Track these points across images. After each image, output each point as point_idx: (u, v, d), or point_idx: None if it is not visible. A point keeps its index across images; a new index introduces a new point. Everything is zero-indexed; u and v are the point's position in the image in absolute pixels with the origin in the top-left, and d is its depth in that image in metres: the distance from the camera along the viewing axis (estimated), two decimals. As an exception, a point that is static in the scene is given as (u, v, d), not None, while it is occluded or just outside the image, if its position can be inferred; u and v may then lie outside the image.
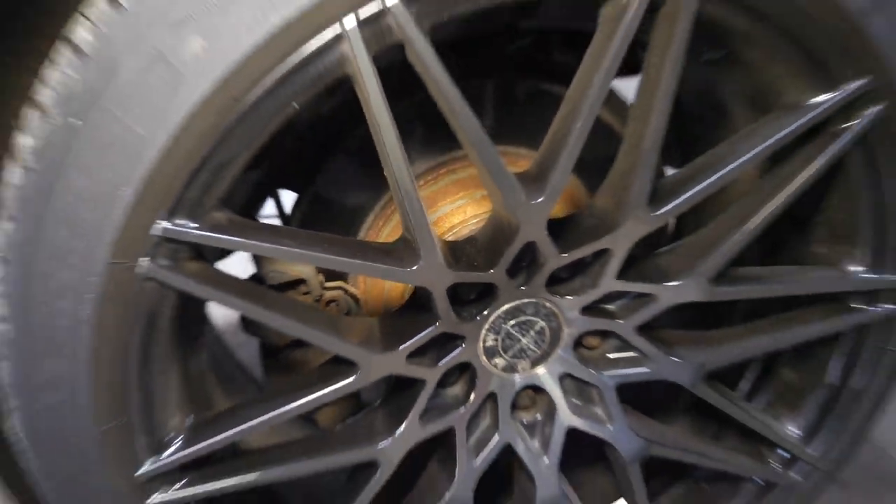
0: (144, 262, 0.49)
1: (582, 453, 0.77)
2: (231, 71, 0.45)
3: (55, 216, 0.47)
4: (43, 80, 0.47)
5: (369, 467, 0.63)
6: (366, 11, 0.44)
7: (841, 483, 1.07)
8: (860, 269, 0.66)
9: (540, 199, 0.54)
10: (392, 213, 0.77)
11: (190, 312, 0.56)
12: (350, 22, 0.44)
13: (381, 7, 0.44)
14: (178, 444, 0.56)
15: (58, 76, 0.46)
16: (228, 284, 0.53)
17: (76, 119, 0.45)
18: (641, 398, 0.75)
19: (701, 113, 0.74)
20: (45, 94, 0.46)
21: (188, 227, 0.48)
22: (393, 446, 0.63)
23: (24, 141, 0.47)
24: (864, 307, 0.68)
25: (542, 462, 0.70)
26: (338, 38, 0.45)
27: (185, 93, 0.45)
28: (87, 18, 0.45)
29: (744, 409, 0.72)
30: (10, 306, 0.50)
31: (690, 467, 0.81)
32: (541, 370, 0.68)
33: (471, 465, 0.68)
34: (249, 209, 0.88)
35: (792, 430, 0.75)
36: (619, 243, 0.60)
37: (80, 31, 0.45)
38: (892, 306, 0.67)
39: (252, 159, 0.51)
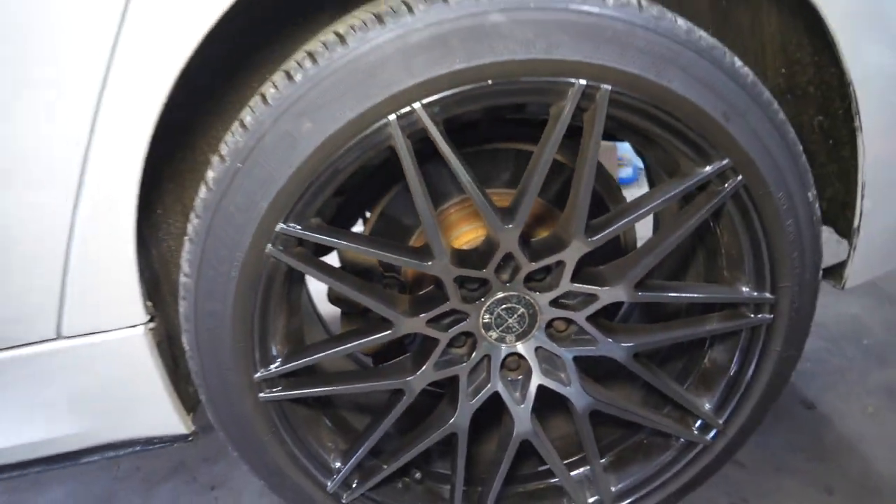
0: (269, 246, 0.83)
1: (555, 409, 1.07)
2: (326, 140, 0.79)
3: (222, 216, 0.83)
4: (224, 140, 0.82)
5: (399, 393, 0.96)
6: (402, 111, 0.77)
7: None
8: (746, 288, 0.94)
9: (511, 226, 0.86)
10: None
11: (294, 281, 0.91)
12: (393, 117, 0.78)
13: (410, 109, 0.77)
14: (278, 362, 0.91)
15: (231, 138, 0.81)
16: (319, 266, 0.87)
17: (239, 163, 0.81)
18: (613, 374, 1.03)
19: (653, 170, 1.04)
20: (223, 148, 0.82)
21: (295, 228, 0.83)
22: (415, 381, 0.95)
23: (209, 174, 0.83)
24: (750, 315, 0.95)
25: (520, 407, 1.00)
26: (386, 124, 0.78)
27: (299, 151, 0.79)
28: (250, 107, 0.81)
29: (668, 385, 1.00)
30: (191, 268, 0.86)
31: (638, 427, 1.09)
32: (522, 343, 0.99)
33: (468, 403, 0.99)
34: (339, 223, 1.22)
35: (707, 404, 1.03)
36: (569, 258, 0.90)
37: (245, 114, 0.81)
38: (768, 316, 0.94)
39: (337, 189, 0.86)
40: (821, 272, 0.96)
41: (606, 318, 1.02)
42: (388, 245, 0.88)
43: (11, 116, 0.76)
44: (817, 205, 0.92)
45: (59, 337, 0.89)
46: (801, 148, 0.88)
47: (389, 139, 0.79)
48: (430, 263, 0.87)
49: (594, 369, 1.04)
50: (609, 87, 0.78)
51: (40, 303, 0.87)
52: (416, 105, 0.77)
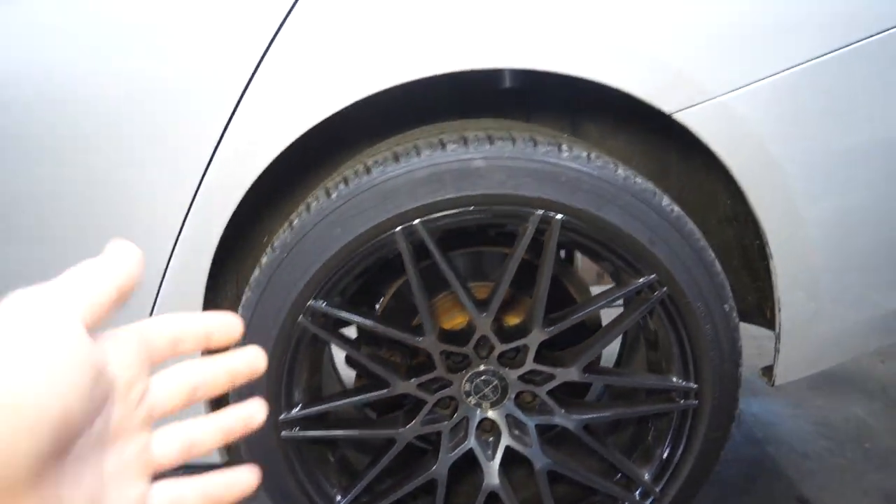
0: (301, 318, 1.11)
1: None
2: (349, 242, 1.07)
3: (269, 292, 1.11)
4: (277, 235, 1.11)
5: (391, 442, 1.20)
6: (405, 225, 1.06)
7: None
8: (675, 377, 1.17)
9: (485, 315, 1.12)
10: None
11: (317, 345, 1.18)
12: (399, 229, 1.06)
13: (411, 224, 1.06)
14: (299, 407, 1.17)
15: (281, 234, 1.10)
16: (338, 335, 1.14)
17: (285, 254, 1.09)
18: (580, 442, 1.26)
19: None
20: (275, 240, 1.11)
21: (322, 305, 1.10)
22: (404, 433, 1.20)
23: (263, 259, 1.12)
24: (679, 401, 1.18)
25: (489, 463, 1.23)
26: (394, 234, 1.06)
27: (329, 249, 1.07)
28: (298, 213, 1.10)
29: (612, 454, 1.22)
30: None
31: (594, 489, 1.30)
32: (495, 409, 1.23)
33: (447, 455, 1.23)
34: (360, 300, 1.50)
35: (646, 474, 1.24)
36: (531, 343, 1.15)
37: (294, 217, 1.10)
38: (693, 402, 1.17)
39: (359, 274, 1.13)
40: (740, 368, 1.18)
41: (579, 394, 1.26)
42: (389, 322, 1.14)
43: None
44: (734, 314, 1.15)
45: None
46: (718, 268, 1.13)
47: (395, 245, 1.07)
48: (420, 339, 1.13)
49: (567, 437, 1.27)
50: (560, 217, 1.05)
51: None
52: (416, 222, 1.05)
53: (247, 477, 0.45)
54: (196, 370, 0.44)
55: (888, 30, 1.01)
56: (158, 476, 0.41)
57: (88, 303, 0.36)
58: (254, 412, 0.46)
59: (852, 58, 1.02)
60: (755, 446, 2.20)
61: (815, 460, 2.05)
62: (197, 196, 1.07)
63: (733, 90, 1.03)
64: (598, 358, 1.40)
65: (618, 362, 1.50)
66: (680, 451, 1.21)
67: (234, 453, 1.25)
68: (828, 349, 1.25)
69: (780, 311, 1.19)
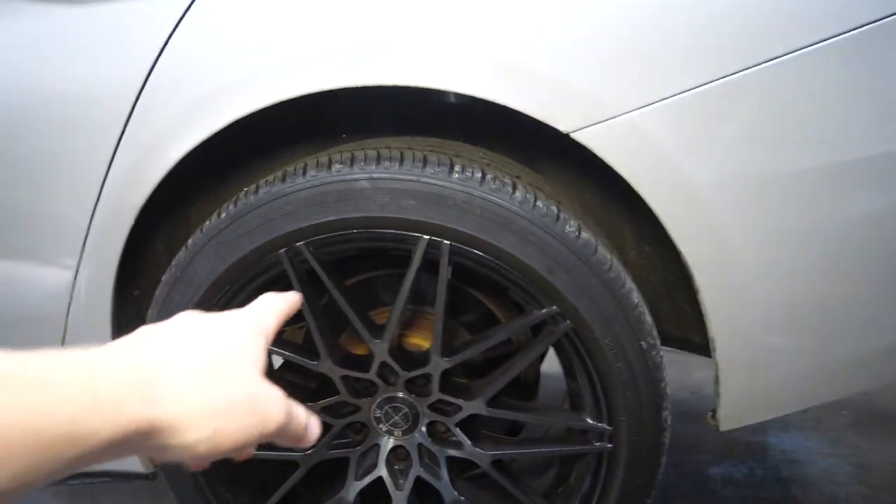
0: (198, 336, 1.10)
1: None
2: (236, 261, 1.05)
3: (165, 310, 1.10)
4: (177, 254, 1.11)
5: (295, 466, 1.18)
6: (292, 248, 1.03)
7: None
8: (589, 417, 1.08)
9: (379, 341, 1.07)
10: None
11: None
12: (282, 251, 1.03)
13: (297, 249, 1.02)
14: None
15: (179, 253, 1.10)
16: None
17: (179, 273, 1.09)
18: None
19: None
20: (175, 259, 1.10)
21: (215, 325, 1.09)
22: (308, 457, 1.16)
23: (164, 276, 1.12)
24: (593, 442, 1.09)
25: (399, 493, 1.18)
26: (278, 256, 1.04)
27: (217, 268, 1.06)
28: (194, 234, 1.09)
29: (524, 495, 1.14)
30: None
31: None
32: (406, 438, 1.18)
33: (355, 483, 1.18)
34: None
35: (564, 517, 1.15)
36: (434, 371, 1.09)
37: (190, 238, 1.09)
38: (607, 444, 1.07)
39: (256, 291, 1.11)
40: (664, 412, 1.08)
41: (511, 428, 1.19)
42: (288, 345, 1.12)
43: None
44: (654, 352, 1.05)
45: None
46: (633, 300, 1.03)
47: (281, 266, 1.04)
48: (316, 363, 1.10)
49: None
50: (448, 243, 0.99)
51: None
52: (300, 244, 1.02)
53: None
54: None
55: (810, 45, 0.89)
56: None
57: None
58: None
59: (774, 73, 0.91)
60: (779, 486, 2.04)
61: (847, 506, 1.88)
62: (95, 215, 1.08)
63: (636, 108, 0.94)
64: (535, 388, 1.32)
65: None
66: (597, 497, 1.11)
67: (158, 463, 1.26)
68: (778, 395, 1.12)
69: (714, 350, 1.08)
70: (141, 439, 0.40)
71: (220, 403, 0.44)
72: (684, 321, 1.29)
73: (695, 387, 2.44)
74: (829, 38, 0.91)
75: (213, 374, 0.45)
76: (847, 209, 1.01)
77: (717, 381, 1.11)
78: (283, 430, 0.49)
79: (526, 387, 1.28)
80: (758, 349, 1.08)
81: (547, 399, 1.40)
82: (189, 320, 0.50)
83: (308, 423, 0.53)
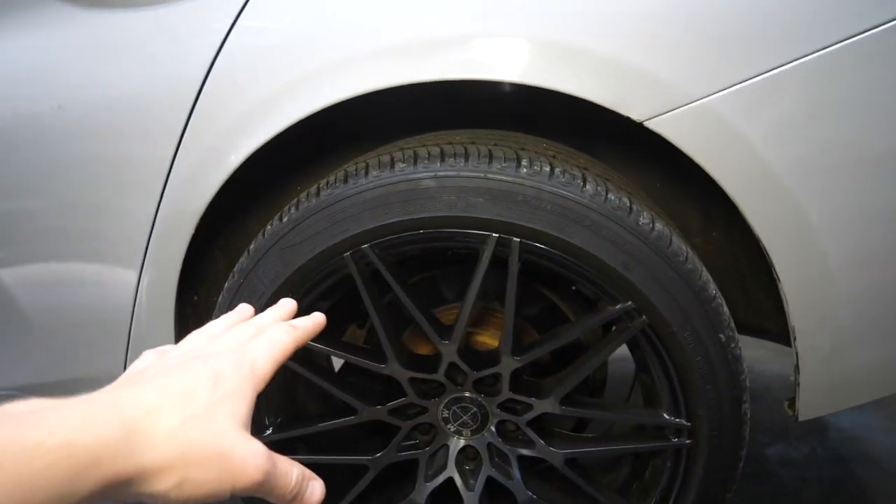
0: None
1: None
2: (300, 267, 1.03)
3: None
4: (239, 260, 1.10)
5: (365, 469, 1.16)
6: (357, 251, 1.00)
7: None
8: (665, 413, 1.05)
9: (447, 342, 1.05)
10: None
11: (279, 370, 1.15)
12: (348, 254, 1.00)
13: (362, 251, 1.00)
14: (269, 431, 1.15)
15: (241, 259, 1.08)
16: (300, 361, 1.11)
17: (242, 279, 1.07)
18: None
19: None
20: (237, 265, 1.09)
21: (280, 330, 1.07)
22: (378, 460, 1.15)
23: (226, 284, 1.10)
24: (672, 439, 1.05)
25: (469, 493, 1.16)
26: (344, 260, 1.01)
27: (281, 274, 1.04)
28: (255, 238, 1.07)
29: (599, 493, 1.12)
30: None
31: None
32: (476, 437, 1.16)
33: (425, 485, 1.17)
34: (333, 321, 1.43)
35: (642, 514, 1.13)
36: (504, 371, 1.07)
37: (252, 243, 1.08)
38: (686, 441, 1.04)
39: (323, 295, 1.09)
40: (744, 405, 1.04)
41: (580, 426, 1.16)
42: (352, 348, 1.10)
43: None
44: (733, 345, 1.01)
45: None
46: (710, 293, 0.99)
47: (348, 269, 1.02)
48: (383, 366, 1.08)
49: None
50: (518, 240, 0.96)
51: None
52: (365, 246, 1.00)
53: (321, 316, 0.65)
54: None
55: (880, 26, 0.84)
56: None
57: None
58: (318, 318, 0.66)
59: (846, 54, 0.85)
60: (839, 464, 2.00)
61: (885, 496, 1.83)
62: (157, 217, 1.06)
63: (712, 93, 0.89)
64: (603, 386, 1.29)
65: (630, 391, 1.37)
66: (675, 494, 1.08)
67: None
68: (859, 384, 1.08)
69: (795, 339, 1.04)
70: (116, 488, 0.41)
71: (195, 455, 0.44)
72: (756, 308, 1.25)
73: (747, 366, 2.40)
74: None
75: (193, 425, 0.45)
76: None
77: (796, 370, 1.07)
78: (260, 487, 0.48)
79: (594, 383, 1.25)
80: (839, 337, 1.04)
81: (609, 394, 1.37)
82: (182, 358, 0.51)
83: (302, 485, 0.52)
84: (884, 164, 0.93)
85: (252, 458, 0.48)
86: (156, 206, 1.05)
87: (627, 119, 0.94)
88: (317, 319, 0.63)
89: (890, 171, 0.94)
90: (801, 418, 1.12)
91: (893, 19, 0.84)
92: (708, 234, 1.25)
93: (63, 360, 1.16)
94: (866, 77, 0.88)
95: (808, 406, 1.10)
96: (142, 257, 1.08)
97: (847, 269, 0.99)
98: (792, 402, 1.13)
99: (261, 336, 0.56)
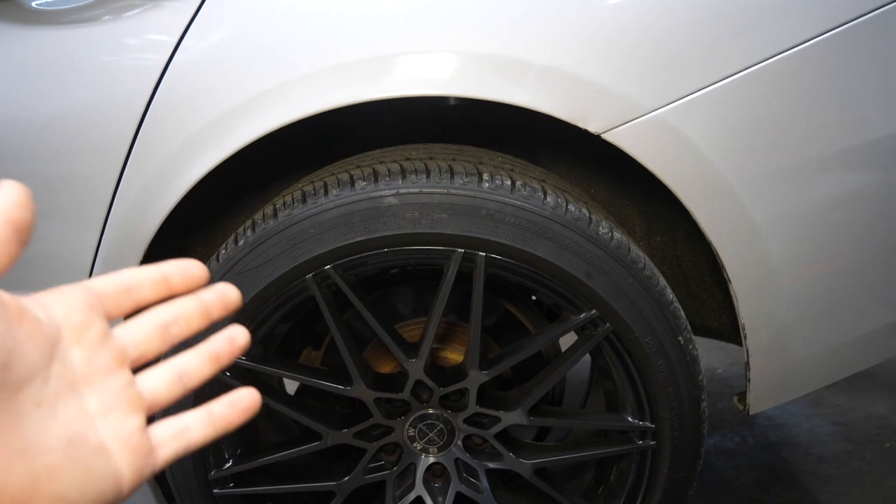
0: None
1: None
2: (259, 292, 1.00)
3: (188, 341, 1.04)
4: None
5: (330, 496, 1.13)
6: (319, 272, 0.98)
7: None
8: (630, 417, 1.07)
9: (415, 360, 1.04)
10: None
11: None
12: (310, 276, 0.98)
13: (325, 272, 0.98)
14: (230, 463, 1.10)
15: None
16: (261, 388, 1.07)
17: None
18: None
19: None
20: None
21: (239, 359, 1.03)
22: (343, 485, 1.12)
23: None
24: (637, 441, 1.08)
25: (439, 511, 1.16)
26: (304, 282, 0.99)
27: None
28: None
29: (570, 499, 1.13)
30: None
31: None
32: (443, 454, 1.15)
33: (394, 505, 1.15)
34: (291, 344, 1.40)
35: (609, 517, 1.15)
36: (471, 385, 1.06)
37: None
38: (651, 442, 1.07)
39: (285, 318, 1.06)
40: (702, 404, 1.08)
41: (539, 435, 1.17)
42: (314, 371, 1.07)
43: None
44: (691, 346, 1.05)
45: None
46: (668, 297, 1.03)
47: (309, 291, 0.99)
48: (349, 388, 1.05)
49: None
50: (484, 255, 0.96)
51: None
52: (328, 267, 0.97)
53: (248, 395, 0.47)
54: (163, 308, 0.44)
55: (829, 31, 0.89)
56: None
57: None
58: (235, 334, 0.47)
59: (784, 66, 0.91)
60: (769, 451, 2.09)
61: (832, 465, 1.94)
62: (101, 245, 1.01)
63: (664, 105, 0.93)
64: (562, 394, 1.31)
65: (585, 397, 1.40)
66: (642, 493, 1.11)
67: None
68: (804, 375, 1.14)
69: (745, 336, 1.09)
70: None
71: None
72: (700, 308, 1.30)
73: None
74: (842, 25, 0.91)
75: None
76: (864, 193, 1.03)
77: (747, 366, 1.12)
78: None
79: (553, 392, 1.27)
80: (783, 332, 1.09)
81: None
82: None
83: None
84: (820, 169, 0.99)
85: None
86: (99, 233, 0.99)
87: (584, 131, 0.96)
88: (236, 343, 0.48)
89: (826, 175, 1.00)
90: (752, 412, 1.17)
91: (827, 30, 0.90)
92: (651, 238, 1.29)
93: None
94: (803, 87, 0.93)
95: (758, 399, 1.15)
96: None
97: (788, 267, 1.05)
98: (742, 396, 1.18)
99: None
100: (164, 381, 0.44)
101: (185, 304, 0.46)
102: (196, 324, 0.46)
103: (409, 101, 0.95)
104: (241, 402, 0.47)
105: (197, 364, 0.46)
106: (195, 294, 0.46)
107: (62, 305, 0.40)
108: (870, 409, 2.23)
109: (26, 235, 0.38)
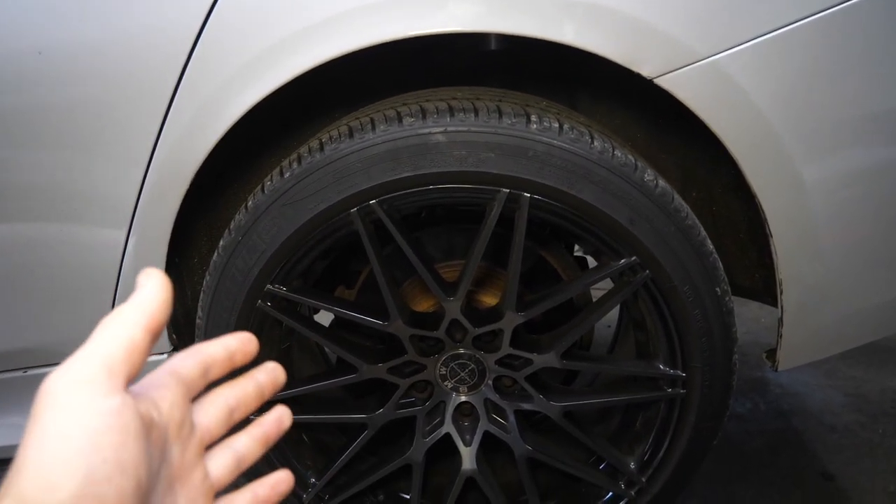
0: (259, 302, 1.06)
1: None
2: (303, 224, 1.00)
3: (227, 276, 1.06)
4: (234, 217, 1.06)
5: (363, 427, 1.16)
6: (361, 206, 0.99)
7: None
8: (661, 364, 1.09)
9: (452, 299, 1.05)
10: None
11: (276, 330, 1.13)
12: (354, 210, 0.99)
13: (368, 204, 0.98)
14: (266, 392, 1.13)
15: (238, 216, 1.05)
16: (299, 318, 1.09)
17: (240, 237, 1.04)
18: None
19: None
20: (232, 223, 1.05)
21: (280, 289, 1.05)
22: (376, 418, 1.15)
23: (221, 242, 1.07)
24: (666, 389, 1.10)
25: (467, 448, 1.18)
26: (349, 216, 0.99)
27: (283, 232, 1.02)
28: (253, 194, 1.04)
29: (594, 443, 1.15)
30: (203, 313, 1.09)
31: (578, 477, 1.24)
32: (472, 393, 1.17)
33: (423, 441, 1.18)
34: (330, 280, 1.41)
35: (632, 463, 1.17)
36: (506, 327, 1.08)
37: (249, 199, 1.04)
38: (681, 390, 1.08)
39: (323, 253, 1.07)
40: (734, 356, 1.09)
41: (568, 378, 1.18)
42: (352, 305, 1.08)
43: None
44: (727, 298, 1.05)
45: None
46: (709, 247, 1.03)
47: (353, 225, 1.00)
48: (386, 324, 1.07)
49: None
50: (528, 196, 0.97)
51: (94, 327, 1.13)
52: (373, 202, 0.98)
53: (285, 476, 0.51)
54: (228, 392, 0.48)
55: None
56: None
57: (125, 359, 0.39)
58: (282, 416, 0.52)
59: (851, 14, 0.89)
60: (781, 418, 2.11)
61: (843, 434, 1.96)
62: (146, 180, 1.01)
63: (721, 52, 0.92)
64: (590, 340, 1.32)
65: (613, 344, 1.42)
66: (668, 441, 1.13)
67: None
68: (835, 335, 1.14)
69: (782, 293, 1.09)
70: None
71: None
72: (732, 265, 1.30)
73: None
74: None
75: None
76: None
77: (780, 322, 1.13)
78: None
79: (582, 339, 1.28)
80: (819, 291, 1.10)
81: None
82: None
83: None
84: (874, 129, 0.98)
85: None
86: (147, 162, 1.00)
87: (625, 79, 0.95)
88: (279, 415, 0.52)
89: (878, 136, 0.99)
90: (780, 368, 1.18)
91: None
92: (687, 192, 1.29)
93: (44, 323, 1.10)
94: (861, 40, 0.92)
95: (788, 356, 1.16)
96: (130, 217, 1.03)
97: (830, 227, 1.05)
98: (771, 353, 1.19)
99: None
100: (227, 469, 0.47)
101: (245, 387, 0.49)
102: (252, 406, 0.50)
103: (446, 44, 0.94)
104: (281, 483, 0.51)
105: (252, 448, 0.49)
106: (252, 375, 0.51)
107: (167, 403, 0.42)
108: (886, 382, 2.23)
109: (158, 336, 0.42)
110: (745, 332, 2.49)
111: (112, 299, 1.09)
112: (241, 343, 0.49)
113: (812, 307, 1.11)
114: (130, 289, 1.07)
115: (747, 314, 2.53)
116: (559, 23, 0.90)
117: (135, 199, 1.03)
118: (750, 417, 2.11)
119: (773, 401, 2.20)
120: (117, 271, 1.07)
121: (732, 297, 1.19)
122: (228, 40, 0.94)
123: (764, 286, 1.25)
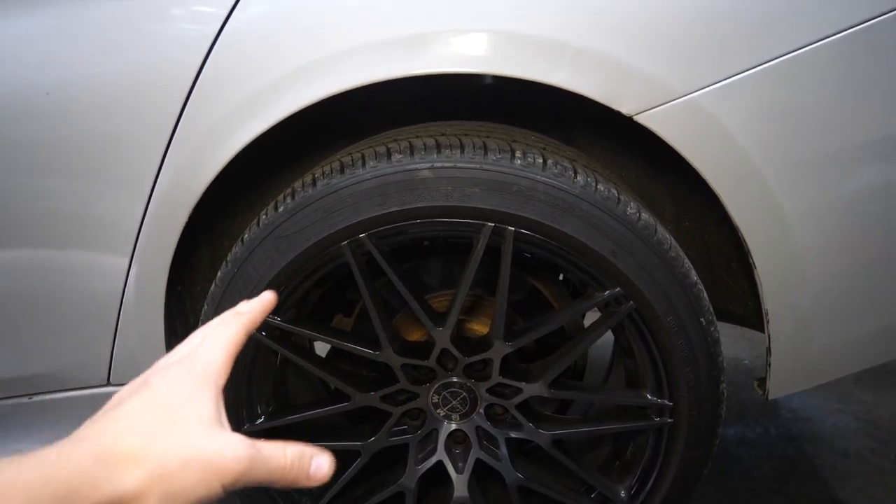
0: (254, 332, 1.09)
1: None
2: (295, 257, 1.04)
3: (223, 307, 1.09)
4: (231, 250, 1.10)
5: (356, 455, 1.18)
6: (354, 240, 1.02)
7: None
8: (649, 394, 1.10)
9: (441, 329, 1.08)
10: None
11: (271, 358, 1.16)
12: (345, 243, 1.02)
13: (359, 240, 1.02)
14: (262, 418, 1.16)
15: (234, 248, 1.09)
16: (291, 347, 1.12)
17: (236, 269, 1.07)
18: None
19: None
20: (229, 255, 1.09)
21: (274, 319, 1.08)
22: (369, 446, 1.17)
23: (219, 273, 1.11)
24: (654, 418, 1.11)
25: (459, 476, 1.20)
26: (341, 248, 1.03)
27: (276, 264, 1.05)
28: (249, 227, 1.08)
29: (584, 472, 1.16)
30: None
31: None
32: (465, 421, 1.19)
33: (416, 468, 1.20)
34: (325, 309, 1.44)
35: (622, 491, 1.18)
36: (494, 356, 1.10)
37: (245, 232, 1.08)
38: (668, 419, 1.10)
39: (318, 283, 1.10)
40: (721, 385, 1.10)
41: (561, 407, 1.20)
42: (344, 335, 1.11)
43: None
44: (712, 328, 1.07)
45: (108, 384, 1.19)
46: (692, 279, 1.05)
47: (344, 258, 1.03)
48: (377, 353, 1.10)
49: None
50: (513, 229, 0.99)
51: (97, 354, 1.17)
52: (363, 236, 1.01)
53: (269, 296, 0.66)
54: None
55: (866, 21, 0.90)
56: None
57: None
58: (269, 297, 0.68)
59: (820, 54, 0.91)
60: (791, 444, 2.09)
61: (855, 461, 1.94)
62: (148, 211, 1.06)
63: (699, 89, 0.94)
64: (583, 369, 1.34)
65: (607, 373, 1.43)
66: (657, 470, 1.14)
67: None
68: (824, 364, 1.15)
69: (768, 322, 1.10)
70: None
71: (167, 468, 0.45)
72: (725, 293, 1.32)
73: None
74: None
75: (157, 440, 0.46)
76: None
77: (768, 352, 1.14)
78: (249, 476, 0.49)
79: (574, 367, 1.30)
80: (806, 321, 1.11)
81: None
82: (140, 380, 0.53)
83: (302, 461, 0.54)
84: (852, 160, 0.99)
85: (228, 450, 0.48)
86: (148, 194, 1.05)
87: (616, 113, 0.98)
88: (264, 299, 0.64)
89: (857, 167, 1.00)
90: (770, 397, 1.19)
91: (865, 21, 0.90)
92: (680, 222, 1.30)
93: (48, 350, 1.15)
94: (839, 77, 0.94)
95: (778, 386, 1.17)
96: (132, 246, 1.08)
97: (815, 257, 1.06)
98: (762, 382, 1.20)
99: (207, 335, 0.57)
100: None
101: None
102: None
103: (444, 81, 0.98)
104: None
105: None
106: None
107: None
108: (896, 408, 2.21)
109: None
110: (756, 355, 2.48)
111: (114, 327, 1.13)
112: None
113: (799, 336, 1.12)
114: (132, 316, 1.11)
115: (758, 337, 2.53)
116: (536, 62, 0.93)
117: (137, 229, 1.08)
118: (760, 442, 2.09)
119: (784, 425, 2.18)
120: (119, 299, 1.12)
121: (734, 325, 1.21)
122: (224, 81, 0.98)
123: (756, 315, 1.26)
